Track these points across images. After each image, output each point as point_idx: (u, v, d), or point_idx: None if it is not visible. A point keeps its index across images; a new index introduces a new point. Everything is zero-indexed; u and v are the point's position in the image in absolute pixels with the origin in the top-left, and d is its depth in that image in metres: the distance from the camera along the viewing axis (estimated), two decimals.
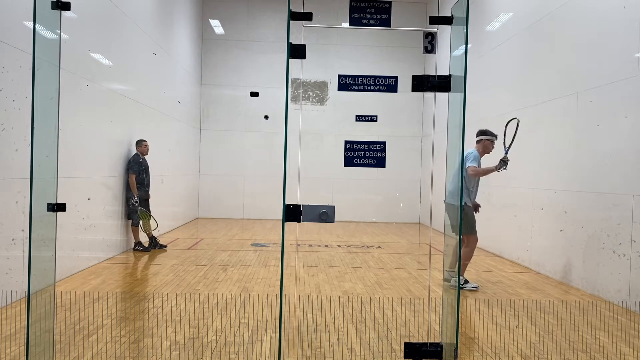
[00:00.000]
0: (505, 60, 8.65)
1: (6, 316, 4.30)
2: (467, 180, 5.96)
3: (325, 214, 2.86)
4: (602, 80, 5.81)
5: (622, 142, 5.44)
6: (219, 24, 13.74)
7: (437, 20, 3.02)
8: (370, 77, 3.07)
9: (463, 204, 5.82)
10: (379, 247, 9.25)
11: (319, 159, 13.52)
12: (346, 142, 3.01)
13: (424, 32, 3.18)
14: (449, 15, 3.03)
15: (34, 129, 2.74)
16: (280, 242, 3.19)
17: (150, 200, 8.18)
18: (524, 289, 6.03)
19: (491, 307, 5.10)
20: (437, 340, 3.26)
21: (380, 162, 3.04)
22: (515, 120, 5.98)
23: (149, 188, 8.12)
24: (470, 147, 6.16)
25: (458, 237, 3.49)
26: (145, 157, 8.09)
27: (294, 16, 2.84)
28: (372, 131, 12.95)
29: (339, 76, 3.07)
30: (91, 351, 3.56)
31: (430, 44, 3.17)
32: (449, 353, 3.08)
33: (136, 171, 7.77)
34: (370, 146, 3.03)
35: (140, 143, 8.04)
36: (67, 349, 3.60)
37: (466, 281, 5.94)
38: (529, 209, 7.48)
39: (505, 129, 6.03)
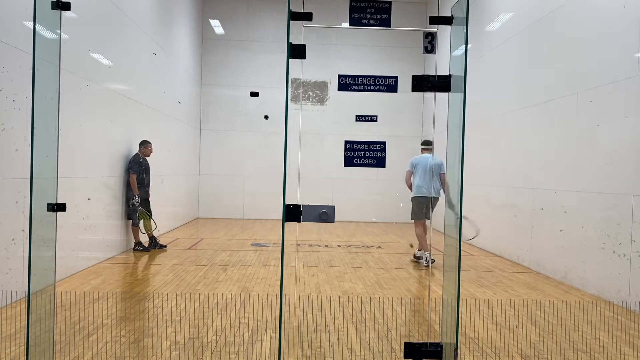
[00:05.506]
0: (505, 60, 8.65)
1: (6, 316, 4.30)
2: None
3: (325, 214, 2.86)
4: (602, 80, 5.81)
5: (622, 142, 5.44)
6: (219, 24, 13.73)
7: (437, 20, 3.01)
8: (370, 77, 3.07)
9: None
10: (379, 247, 9.25)
11: (319, 159, 13.52)
12: (346, 142, 3.01)
13: (424, 32, 3.18)
14: (449, 15, 3.03)
15: (34, 129, 2.74)
16: (280, 242, 3.19)
17: (150, 200, 8.19)
18: (524, 289, 6.03)
19: (491, 307, 5.10)
20: (437, 340, 3.25)
21: (380, 162, 3.03)
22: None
23: (149, 188, 8.12)
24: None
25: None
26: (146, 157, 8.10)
27: (294, 16, 2.84)
28: (372, 131, 12.95)
29: (339, 76, 3.07)
30: (91, 351, 3.56)
31: (430, 44, 3.17)
32: (449, 353, 3.08)
33: (136, 171, 7.76)
34: (370, 146, 3.03)
35: (145, 144, 8.04)
36: (67, 349, 3.60)
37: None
38: (529, 209, 7.48)
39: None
